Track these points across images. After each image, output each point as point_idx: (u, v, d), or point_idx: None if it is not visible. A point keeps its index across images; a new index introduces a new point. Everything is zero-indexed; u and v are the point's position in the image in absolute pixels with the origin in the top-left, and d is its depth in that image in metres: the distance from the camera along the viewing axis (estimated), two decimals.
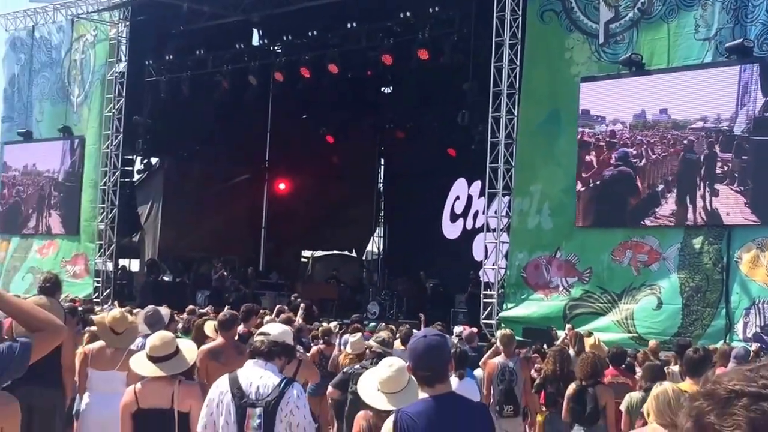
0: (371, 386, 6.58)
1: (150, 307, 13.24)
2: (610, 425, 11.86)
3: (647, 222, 20.27)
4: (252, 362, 6.99)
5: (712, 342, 17.01)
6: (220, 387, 6.94)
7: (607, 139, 20.87)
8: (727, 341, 17.58)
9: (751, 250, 18.67)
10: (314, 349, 14.86)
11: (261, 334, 7.56)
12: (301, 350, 12.93)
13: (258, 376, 6.85)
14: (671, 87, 20.11)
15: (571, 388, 12.18)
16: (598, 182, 20.96)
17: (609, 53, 21.05)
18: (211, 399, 6.93)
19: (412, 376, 6.38)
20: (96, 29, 31.08)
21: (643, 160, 20.32)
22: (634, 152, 20.43)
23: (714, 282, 19.08)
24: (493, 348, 14.69)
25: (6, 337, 5.13)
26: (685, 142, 19.69)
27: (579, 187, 21.16)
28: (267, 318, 15.00)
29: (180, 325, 15.12)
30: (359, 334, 14.54)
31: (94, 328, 11.57)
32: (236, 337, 11.66)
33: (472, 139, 24.99)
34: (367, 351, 12.05)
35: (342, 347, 14.51)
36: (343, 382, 11.13)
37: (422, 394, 5.52)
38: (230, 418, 6.76)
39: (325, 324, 18.43)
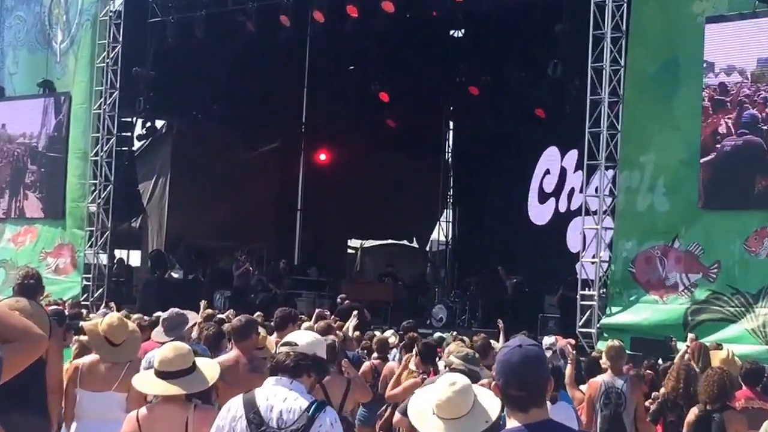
0: (425, 409, 6.47)
1: (172, 311, 13.36)
2: None
3: None
4: (273, 380, 6.90)
5: None
6: (233, 411, 6.86)
7: (740, 96, 20.77)
8: None
9: None
10: (366, 364, 14.86)
11: (286, 344, 7.46)
12: (349, 366, 12.95)
13: (281, 399, 6.80)
14: None
15: (693, 413, 12.13)
16: (729, 150, 20.86)
17: None
18: (220, 426, 6.88)
19: (479, 401, 6.33)
20: None
21: None
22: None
23: None
24: (572, 362, 14.65)
25: None
26: None
27: (704, 157, 21.08)
28: (305, 325, 15.00)
29: (194, 334, 15.24)
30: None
31: (84, 337, 11.49)
32: (255, 349, 11.69)
33: (566, 97, 24.92)
34: (446, 369, 12.01)
35: (402, 362, 14.45)
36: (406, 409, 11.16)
37: (512, 422, 5.34)
38: None
39: (378, 333, 18.45)
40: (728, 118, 20.81)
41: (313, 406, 6.80)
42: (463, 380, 6.44)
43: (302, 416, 6.73)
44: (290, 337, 7.98)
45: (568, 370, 13.57)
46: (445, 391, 6.27)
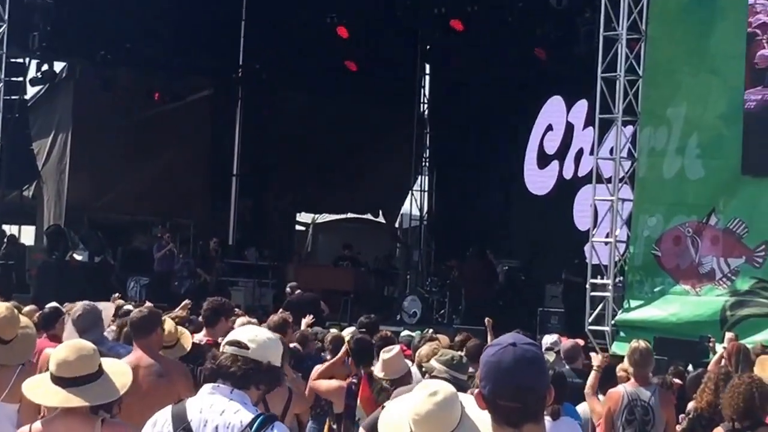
0: (400, 424, 6.42)
1: (83, 304, 13.29)
2: None
3: None
4: (210, 387, 6.87)
5: None
6: (158, 426, 6.84)
7: None
8: None
9: None
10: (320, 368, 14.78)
11: (234, 344, 7.41)
12: (290, 370, 12.89)
13: (218, 411, 6.75)
14: None
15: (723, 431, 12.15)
16: None
17: None
18: None
19: (465, 412, 6.22)
20: None
21: None
22: None
23: None
24: (599, 367, 14.63)
25: None
26: None
27: (749, 108, 21.09)
28: (240, 321, 14.92)
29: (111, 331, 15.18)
30: (396, 348, 14.51)
31: None
32: (159, 349, 11.62)
33: (574, 33, 24.91)
34: (426, 376, 11.97)
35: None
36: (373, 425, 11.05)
37: None
38: None
39: (334, 330, 18.36)
40: None
41: (257, 420, 6.73)
42: (446, 389, 6.30)
43: None
44: (240, 335, 7.84)
45: (591, 379, 13.66)
46: (424, 402, 6.12)
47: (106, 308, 13.25)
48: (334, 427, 13.47)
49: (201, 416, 6.81)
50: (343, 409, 13.38)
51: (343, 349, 13.84)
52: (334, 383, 13.24)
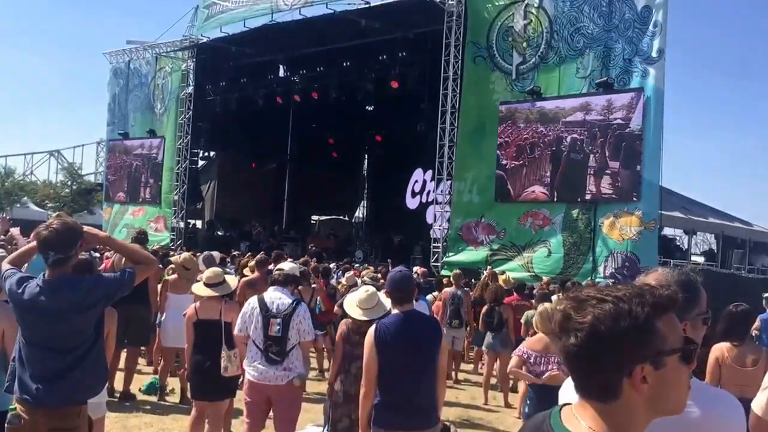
0: (353, 303, 6.59)
1: (206, 252, 13.30)
2: (510, 331, 12.05)
3: (542, 198, 20.44)
4: (273, 288, 7.04)
5: (582, 279, 17.33)
6: (252, 303, 6.97)
7: (516, 143, 21.00)
8: (593, 278, 17.87)
9: (610, 218, 18.93)
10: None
11: (278, 269, 7.60)
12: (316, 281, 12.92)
13: (278, 297, 6.89)
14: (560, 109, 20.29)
15: (485, 308, 12.36)
16: (509, 169, 21.08)
17: (518, 85, 21.16)
18: (245, 312, 6.97)
19: (380, 299, 6.41)
20: (173, 63, 30.88)
21: (538, 153, 20.49)
22: (529, 151, 20.61)
23: (585, 239, 19.32)
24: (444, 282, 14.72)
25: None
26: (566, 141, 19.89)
27: (497, 173, 21.26)
28: (289, 261, 14.94)
29: (229, 265, 15.11)
30: (351, 272, 14.69)
31: (172, 266, 11.45)
32: (268, 273, 11.68)
33: (426, 142, 24.94)
34: (360, 281, 12.08)
35: (339, 280, 14.52)
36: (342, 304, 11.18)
37: (394, 310, 5.45)
38: (258, 324, 6.82)
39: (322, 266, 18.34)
40: (512, 152, 21.06)
41: (294, 302, 6.89)
42: (372, 288, 6.63)
43: (289, 307, 6.80)
44: (281, 265, 8.05)
45: (467, 298, 13.59)
46: (363, 294, 6.53)
47: (216, 254, 13.20)
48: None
49: (270, 300, 6.91)
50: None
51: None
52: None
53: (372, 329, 5.35)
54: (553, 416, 1.68)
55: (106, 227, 31.15)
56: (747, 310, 6.27)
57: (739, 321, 6.20)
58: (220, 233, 31.88)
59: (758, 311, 13.80)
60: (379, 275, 12.66)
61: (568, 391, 2.04)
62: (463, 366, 14.56)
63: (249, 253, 19.24)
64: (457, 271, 14.72)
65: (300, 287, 9.11)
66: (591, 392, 1.60)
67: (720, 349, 6.09)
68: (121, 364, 10.47)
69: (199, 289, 7.73)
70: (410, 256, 25.30)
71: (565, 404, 1.70)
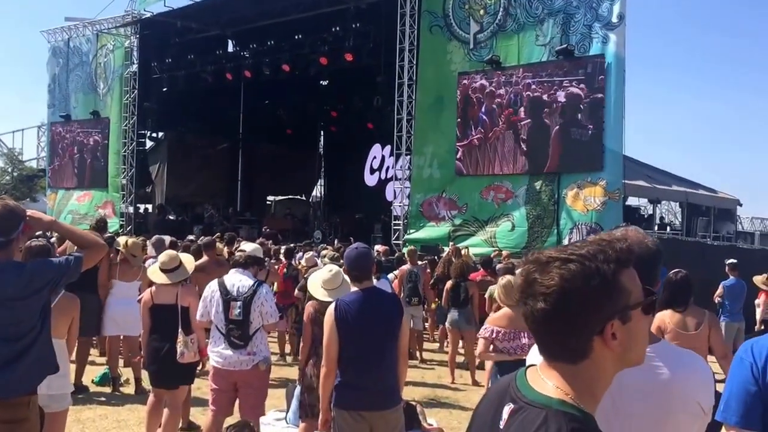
0: (317, 284, 6.60)
1: (156, 236, 13.20)
2: (474, 307, 12.16)
3: (504, 171, 20.56)
4: (234, 270, 7.03)
5: None
6: (212, 287, 6.97)
7: (476, 114, 21.07)
8: None
9: (573, 189, 19.11)
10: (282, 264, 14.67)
11: (240, 251, 7.57)
12: (271, 262, 12.92)
13: (238, 280, 6.90)
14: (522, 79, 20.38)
15: (449, 283, 12.44)
16: (469, 143, 21.15)
17: (476, 55, 21.18)
18: (206, 296, 6.97)
19: (345, 279, 6.40)
20: (115, 40, 30.34)
21: (501, 128, 20.59)
22: (490, 125, 20.70)
23: (549, 212, 19.51)
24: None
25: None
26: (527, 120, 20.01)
27: (457, 147, 21.32)
28: (243, 244, 14.83)
29: (181, 250, 14.94)
30: (311, 252, 14.65)
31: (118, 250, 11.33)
32: (217, 256, 11.59)
33: (384, 116, 24.94)
34: (320, 262, 12.10)
35: (298, 261, 14.45)
36: (303, 287, 11.15)
37: (353, 288, 5.47)
38: (219, 308, 6.82)
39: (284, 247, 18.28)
40: (471, 127, 21.14)
41: (256, 283, 6.95)
42: (335, 268, 6.65)
43: (250, 289, 6.85)
44: (242, 246, 8.04)
45: (425, 274, 13.76)
46: (327, 274, 6.54)
47: (166, 238, 13.08)
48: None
49: (231, 282, 6.95)
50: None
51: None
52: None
53: (331, 307, 5.33)
54: (518, 377, 1.69)
55: (50, 215, 30.55)
56: (686, 276, 6.45)
57: (679, 288, 6.40)
58: (171, 217, 31.49)
59: (722, 278, 14.14)
60: (338, 254, 12.65)
61: (533, 355, 2.07)
62: (428, 345, 14.66)
63: (202, 237, 19.07)
64: (411, 247, 14.82)
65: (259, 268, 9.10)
66: (559, 355, 1.60)
67: (661, 317, 6.29)
68: (72, 356, 10.32)
69: (155, 275, 7.64)
70: (371, 235, 25.34)
71: (530, 365, 1.72)
